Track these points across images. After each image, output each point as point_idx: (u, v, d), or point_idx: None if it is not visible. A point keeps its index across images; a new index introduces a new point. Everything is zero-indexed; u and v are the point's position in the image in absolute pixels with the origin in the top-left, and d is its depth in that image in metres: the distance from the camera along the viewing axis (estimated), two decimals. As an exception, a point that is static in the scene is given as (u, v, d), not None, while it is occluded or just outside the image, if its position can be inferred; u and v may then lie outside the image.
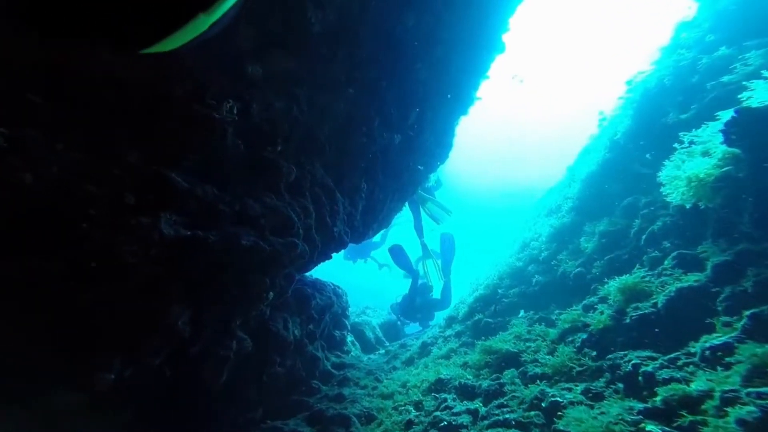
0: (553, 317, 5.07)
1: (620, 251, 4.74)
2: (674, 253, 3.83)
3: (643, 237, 4.41)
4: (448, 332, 7.27)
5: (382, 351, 9.86)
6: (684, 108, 4.54)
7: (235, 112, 3.08)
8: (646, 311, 3.46)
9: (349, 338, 10.28)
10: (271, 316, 4.57)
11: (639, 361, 3.07)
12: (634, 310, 3.54)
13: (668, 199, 3.77)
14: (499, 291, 6.62)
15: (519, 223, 10.47)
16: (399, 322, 11.90)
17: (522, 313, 5.48)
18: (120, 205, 2.18)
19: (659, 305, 3.40)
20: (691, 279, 3.39)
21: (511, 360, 4.52)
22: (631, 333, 3.47)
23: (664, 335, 3.22)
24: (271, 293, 3.72)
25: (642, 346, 3.30)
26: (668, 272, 3.72)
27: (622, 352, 3.34)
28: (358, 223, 6.49)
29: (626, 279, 3.85)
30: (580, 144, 8.77)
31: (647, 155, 4.98)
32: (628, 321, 3.53)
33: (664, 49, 6.01)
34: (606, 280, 4.20)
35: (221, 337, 3.26)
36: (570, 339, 4.16)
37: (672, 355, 2.94)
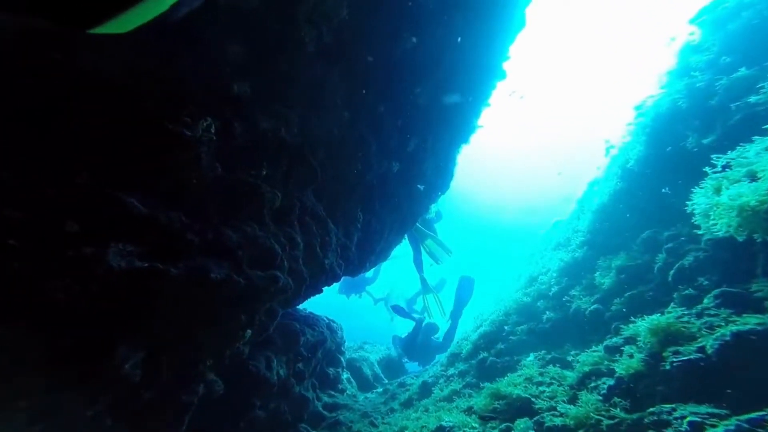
0: (569, 358, 4.57)
1: (643, 287, 4.31)
2: (716, 291, 3.39)
3: (671, 273, 3.99)
4: (451, 371, 6.72)
5: (380, 389, 9.22)
6: (705, 131, 4.24)
7: (212, 131, 2.82)
8: (692, 357, 2.98)
9: (345, 375, 9.69)
10: (251, 354, 4.15)
11: (699, 419, 2.57)
12: (675, 355, 3.06)
13: (701, 231, 3.38)
14: (506, 328, 6.13)
15: (522, 257, 10.05)
16: (399, 358, 11.35)
17: (531, 356, 4.98)
18: (58, 234, 1.85)
19: (709, 350, 2.93)
20: (752, 321, 2.94)
21: (523, 407, 4.00)
22: (674, 382, 2.98)
23: (720, 387, 2.73)
24: (248, 331, 3.33)
25: (690, 398, 2.81)
26: (711, 312, 3.27)
27: (668, 406, 2.84)
28: (353, 256, 6.13)
29: (658, 319, 3.39)
30: (583, 172, 8.48)
31: (665, 187, 4.65)
32: (668, 367, 3.05)
33: (671, 73, 5.80)
34: (631, 318, 3.75)
35: (185, 381, 2.85)
36: (593, 384, 3.66)
37: (753, 415, 2.43)
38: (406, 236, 9.74)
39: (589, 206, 6.23)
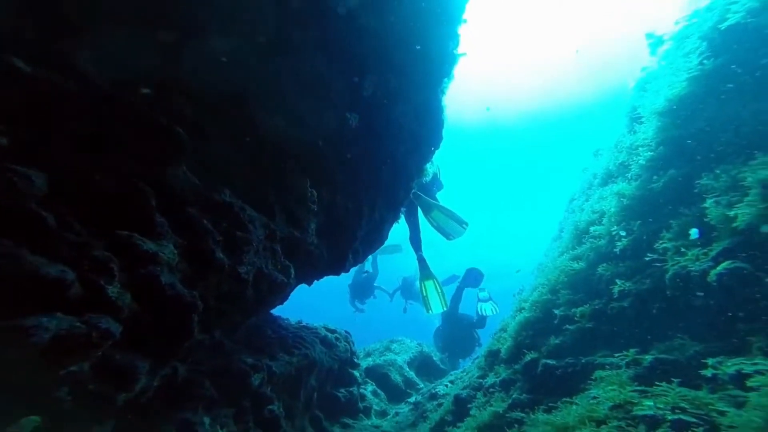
0: (694, 362, 2.58)
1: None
2: None
3: None
4: (490, 379, 4.85)
5: (412, 401, 7.50)
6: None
7: None
8: None
9: (370, 388, 8.03)
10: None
11: None
12: None
13: None
14: (556, 312, 4.17)
15: (559, 204, 7.81)
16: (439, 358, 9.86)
17: (615, 357, 3.01)
18: None
19: None
20: None
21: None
22: None
23: None
24: None
25: None
26: None
27: None
28: (316, 249, 4.32)
29: None
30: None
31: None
32: None
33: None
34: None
35: None
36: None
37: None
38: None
39: (651, 107, 4.07)
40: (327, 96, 3.96)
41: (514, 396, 4.08)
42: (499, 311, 8.98)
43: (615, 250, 3.77)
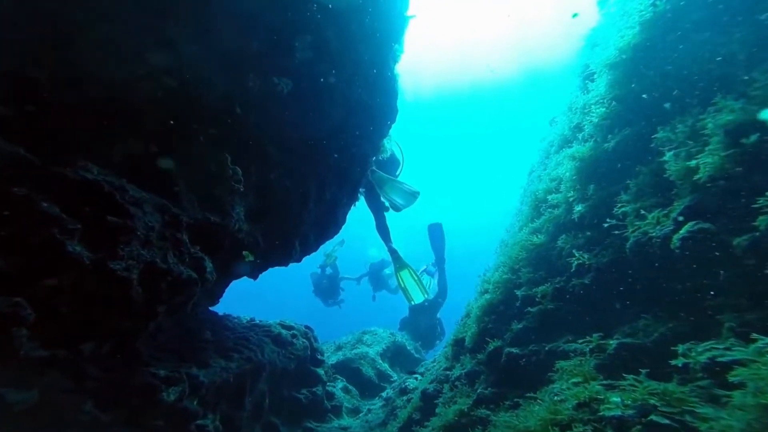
0: (661, 347, 2.23)
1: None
2: None
3: None
4: (456, 371, 4.50)
5: (384, 396, 7.15)
6: None
7: None
8: None
9: (340, 385, 7.63)
10: None
11: None
12: None
13: None
14: (517, 293, 3.81)
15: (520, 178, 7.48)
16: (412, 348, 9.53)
17: (577, 343, 2.66)
18: None
19: None
20: None
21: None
22: None
23: None
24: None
25: None
26: None
27: None
28: (247, 236, 3.77)
29: None
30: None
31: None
32: None
33: None
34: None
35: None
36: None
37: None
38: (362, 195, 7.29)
39: (601, 60, 3.68)
40: (258, 58, 3.37)
41: (479, 390, 3.72)
42: (429, 294, 8.64)
43: (572, 217, 3.40)
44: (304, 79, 4.05)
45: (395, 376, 8.35)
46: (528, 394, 3.04)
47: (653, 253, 2.38)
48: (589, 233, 3.12)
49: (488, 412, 3.45)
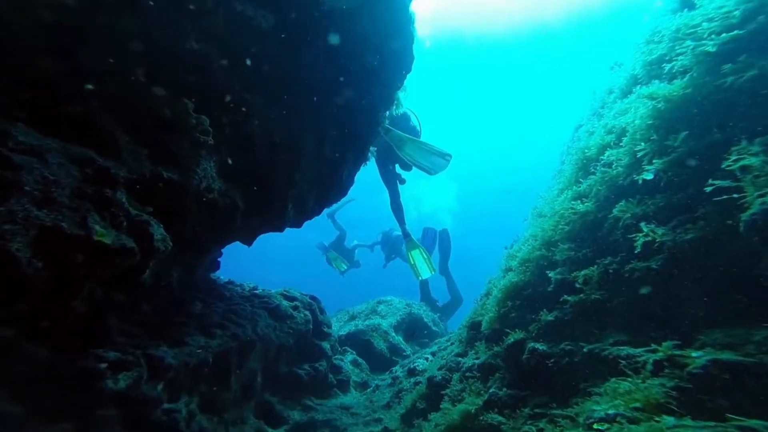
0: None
1: None
2: None
3: None
4: (469, 360, 3.78)
5: (394, 371, 6.62)
6: None
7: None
8: None
9: (349, 358, 7.18)
10: None
11: None
12: None
13: None
14: (551, 275, 2.94)
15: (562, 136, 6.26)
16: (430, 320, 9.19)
17: (640, 349, 1.81)
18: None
19: None
20: None
21: None
22: None
23: None
24: None
25: None
26: None
27: None
28: (223, 198, 3.11)
29: None
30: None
31: None
32: None
33: None
34: None
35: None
36: None
37: None
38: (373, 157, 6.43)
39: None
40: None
41: (492, 390, 2.98)
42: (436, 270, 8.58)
43: (639, 179, 2.44)
44: (291, 10, 3.19)
45: (408, 351, 7.81)
46: (554, 407, 2.28)
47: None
48: (665, 196, 2.17)
49: (501, 419, 2.73)
